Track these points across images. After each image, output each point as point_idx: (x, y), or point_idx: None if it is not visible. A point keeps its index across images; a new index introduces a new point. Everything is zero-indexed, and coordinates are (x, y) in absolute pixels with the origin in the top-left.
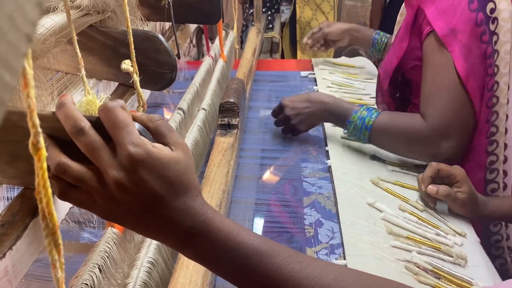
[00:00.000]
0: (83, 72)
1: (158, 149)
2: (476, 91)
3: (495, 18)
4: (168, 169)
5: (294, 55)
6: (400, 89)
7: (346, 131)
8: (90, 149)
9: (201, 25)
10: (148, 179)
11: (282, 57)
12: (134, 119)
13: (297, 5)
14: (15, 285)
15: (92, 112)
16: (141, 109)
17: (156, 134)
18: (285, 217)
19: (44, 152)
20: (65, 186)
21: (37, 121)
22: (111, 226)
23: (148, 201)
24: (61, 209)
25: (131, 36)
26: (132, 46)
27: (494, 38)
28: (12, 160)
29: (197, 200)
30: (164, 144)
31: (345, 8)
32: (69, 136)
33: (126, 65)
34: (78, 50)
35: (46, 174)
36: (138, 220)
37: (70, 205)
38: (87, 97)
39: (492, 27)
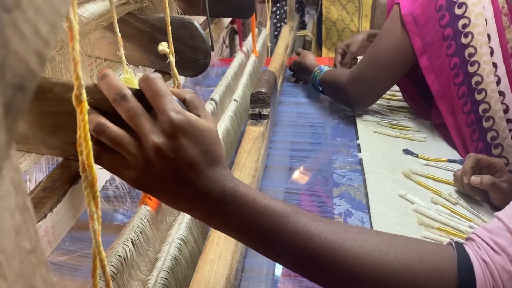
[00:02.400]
0: (122, 51)
1: (196, 117)
2: (430, 68)
3: (463, 3)
4: (205, 138)
5: (320, 55)
6: (421, 84)
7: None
8: (132, 114)
9: (234, 26)
10: (187, 145)
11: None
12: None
13: (323, 6)
14: (54, 247)
15: None
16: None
17: (190, 106)
18: (315, 206)
19: (86, 105)
20: (100, 149)
21: (81, 74)
22: (144, 204)
23: (184, 168)
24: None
25: (169, 18)
26: (169, 27)
27: (464, 21)
28: (54, 131)
29: (226, 170)
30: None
31: (380, 7)
32: (109, 108)
33: (163, 46)
34: (117, 30)
35: (87, 126)
36: (170, 188)
37: (106, 178)
38: (125, 76)
39: (458, 11)
